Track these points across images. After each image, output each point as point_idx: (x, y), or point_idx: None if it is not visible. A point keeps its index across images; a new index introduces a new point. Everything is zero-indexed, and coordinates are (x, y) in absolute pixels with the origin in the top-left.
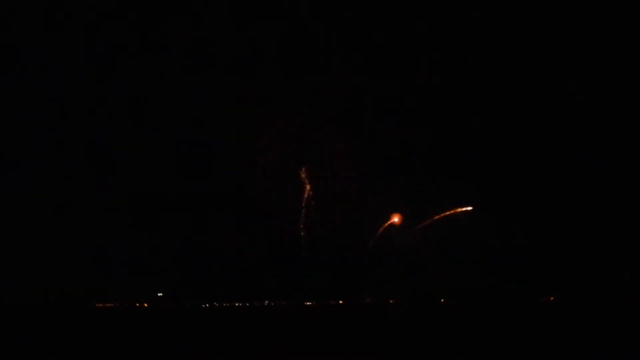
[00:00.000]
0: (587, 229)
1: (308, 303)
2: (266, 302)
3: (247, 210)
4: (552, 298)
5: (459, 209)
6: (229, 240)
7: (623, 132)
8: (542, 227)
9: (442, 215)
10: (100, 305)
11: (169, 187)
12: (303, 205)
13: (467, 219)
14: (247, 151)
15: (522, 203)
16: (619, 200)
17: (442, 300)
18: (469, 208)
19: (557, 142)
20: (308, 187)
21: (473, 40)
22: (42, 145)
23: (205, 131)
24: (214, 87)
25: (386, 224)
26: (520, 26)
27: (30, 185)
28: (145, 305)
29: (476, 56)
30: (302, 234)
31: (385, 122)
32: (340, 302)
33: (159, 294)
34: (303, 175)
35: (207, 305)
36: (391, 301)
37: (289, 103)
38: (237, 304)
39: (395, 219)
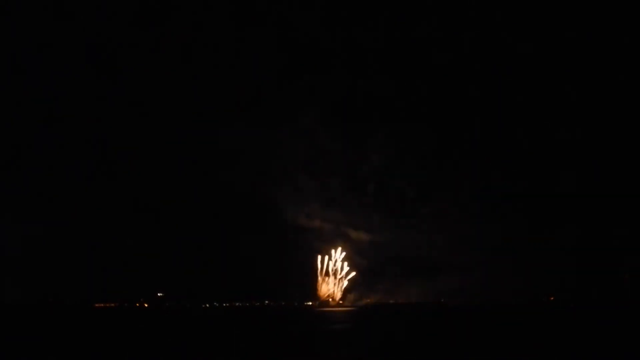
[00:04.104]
0: (587, 229)
1: (308, 303)
2: (266, 302)
3: (247, 211)
4: (552, 298)
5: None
6: (229, 241)
7: (623, 131)
8: (541, 226)
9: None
10: (100, 305)
11: (170, 188)
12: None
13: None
14: (247, 152)
15: (522, 202)
16: (619, 200)
17: (442, 300)
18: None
19: (556, 139)
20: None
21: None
22: (44, 146)
23: (206, 133)
24: (215, 89)
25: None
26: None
27: (32, 186)
28: (146, 305)
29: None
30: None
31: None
32: (341, 301)
33: (159, 294)
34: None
35: (207, 305)
36: (391, 301)
37: (290, 105)
38: (237, 304)
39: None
